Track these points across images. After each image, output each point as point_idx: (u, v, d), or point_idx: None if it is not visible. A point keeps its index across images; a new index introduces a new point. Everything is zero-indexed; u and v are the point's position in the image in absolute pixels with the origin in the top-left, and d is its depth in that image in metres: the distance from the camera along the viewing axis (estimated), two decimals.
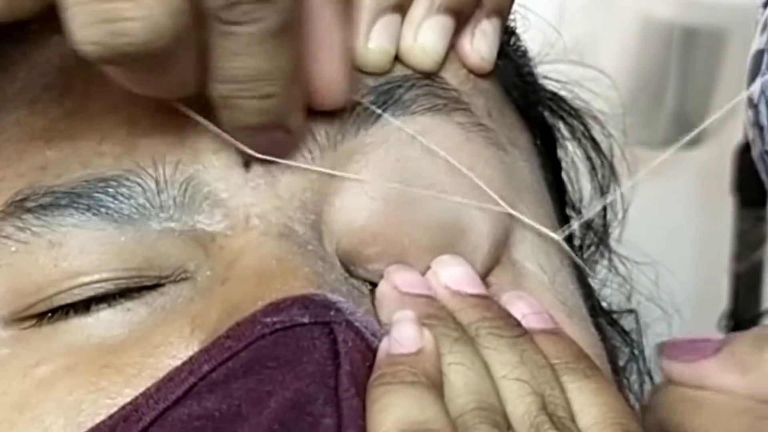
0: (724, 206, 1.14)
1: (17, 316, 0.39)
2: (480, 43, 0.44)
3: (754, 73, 0.60)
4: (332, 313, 0.36)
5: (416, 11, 0.42)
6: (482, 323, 0.38)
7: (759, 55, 0.60)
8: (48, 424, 0.37)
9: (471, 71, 0.45)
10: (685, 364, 0.43)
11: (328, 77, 0.38)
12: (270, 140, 0.38)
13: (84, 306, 0.39)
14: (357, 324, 0.37)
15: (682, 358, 0.43)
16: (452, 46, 0.44)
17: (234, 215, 0.39)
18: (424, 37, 0.42)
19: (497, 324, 0.38)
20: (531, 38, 0.54)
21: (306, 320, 0.36)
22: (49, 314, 0.39)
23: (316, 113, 0.40)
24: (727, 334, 0.43)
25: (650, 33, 1.10)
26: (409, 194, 0.41)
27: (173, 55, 0.34)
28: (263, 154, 0.39)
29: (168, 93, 0.37)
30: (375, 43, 0.41)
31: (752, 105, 0.60)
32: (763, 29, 0.60)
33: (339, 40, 0.38)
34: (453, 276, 0.40)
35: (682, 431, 0.42)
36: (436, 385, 0.35)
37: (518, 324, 0.39)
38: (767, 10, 0.60)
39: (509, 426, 0.35)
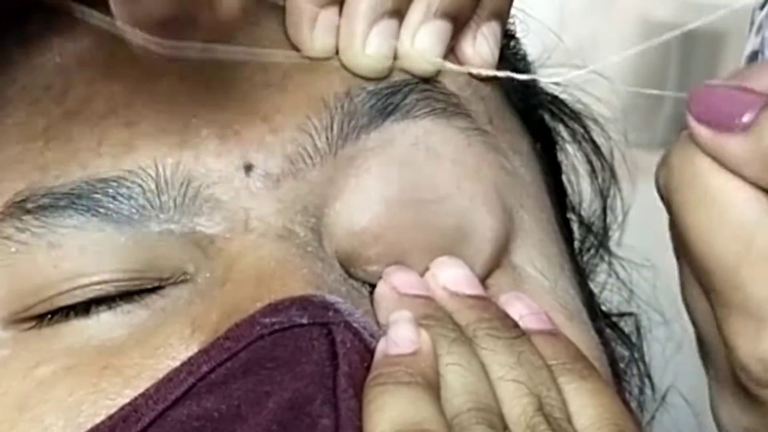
0: None
1: (17, 317, 0.39)
2: (481, 47, 0.44)
3: None
4: (331, 314, 0.36)
5: (413, 16, 0.42)
6: (480, 324, 0.38)
7: (753, 56, 0.60)
8: (48, 425, 0.37)
9: (472, 75, 0.45)
10: (708, 131, 0.38)
11: None
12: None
13: (84, 308, 0.39)
14: (355, 325, 0.37)
15: (709, 122, 0.38)
16: (450, 51, 0.44)
17: (234, 218, 0.39)
18: (422, 41, 0.42)
19: (495, 325, 0.38)
20: (531, 41, 0.55)
21: (304, 321, 0.36)
22: (49, 316, 0.39)
23: (315, 119, 0.40)
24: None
25: (650, 35, 1.10)
26: (410, 197, 0.41)
27: None
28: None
29: None
30: (372, 48, 0.41)
31: None
32: (758, 31, 0.60)
33: None
34: (451, 277, 0.40)
35: (680, 213, 0.39)
36: (433, 386, 0.35)
37: (516, 325, 0.39)
38: (762, 12, 0.60)
39: (505, 427, 0.35)
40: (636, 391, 0.58)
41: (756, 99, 0.37)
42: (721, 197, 0.38)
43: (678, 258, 0.41)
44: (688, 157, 0.39)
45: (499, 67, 0.45)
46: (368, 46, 0.41)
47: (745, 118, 0.37)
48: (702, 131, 0.38)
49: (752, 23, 0.61)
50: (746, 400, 0.39)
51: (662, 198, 0.40)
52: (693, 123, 0.38)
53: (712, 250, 0.38)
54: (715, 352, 0.41)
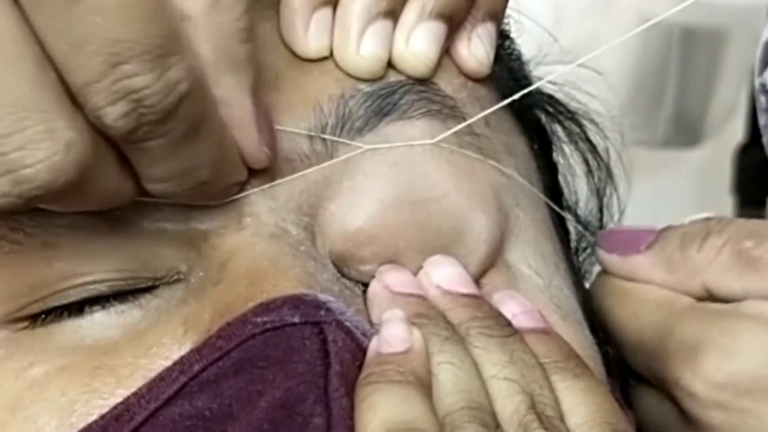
0: (724, 206, 1.14)
1: (11, 317, 0.39)
2: (477, 48, 0.44)
3: (766, 60, 0.60)
4: (322, 313, 0.36)
5: (408, 17, 0.42)
6: (472, 323, 0.38)
7: None
8: (40, 425, 0.37)
9: (468, 76, 0.45)
10: (618, 257, 0.46)
11: (248, 150, 0.38)
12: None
13: (78, 308, 0.39)
14: (347, 324, 0.37)
15: (617, 251, 0.46)
16: (445, 52, 0.44)
17: (227, 215, 0.39)
18: (416, 43, 0.42)
19: (487, 323, 0.38)
20: (528, 40, 0.54)
21: (296, 320, 0.36)
22: (43, 316, 0.39)
23: (311, 119, 0.40)
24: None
25: (650, 33, 1.10)
26: (404, 198, 0.41)
27: (87, 180, 0.33)
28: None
29: (104, 205, 0.36)
30: (367, 50, 0.41)
31: (764, 91, 0.60)
32: None
33: (246, 111, 0.37)
34: (444, 276, 0.40)
35: (611, 316, 0.46)
36: (424, 385, 0.35)
37: (508, 324, 0.39)
38: None
39: (498, 425, 0.35)
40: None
41: (653, 231, 0.46)
42: (638, 289, 0.46)
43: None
44: (605, 280, 0.47)
45: (493, 68, 0.45)
46: (363, 47, 0.41)
47: (647, 241, 0.46)
48: (613, 259, 0.47)
49: None
50: (695, 429, 0.43)
51: (596, 318, 0.47)
52: (603, 255, 0.47)
53: (644, 321, 0.45)
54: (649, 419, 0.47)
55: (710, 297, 0.44)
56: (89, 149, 0.33)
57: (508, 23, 0.52)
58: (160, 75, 0.32)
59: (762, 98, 0.60)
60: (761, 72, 0.60)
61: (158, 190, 0.36)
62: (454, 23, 0.43)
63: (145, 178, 0.35)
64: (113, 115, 0.32)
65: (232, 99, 0.36)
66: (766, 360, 0.41)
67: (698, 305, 0.44)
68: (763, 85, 0.60)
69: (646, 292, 0.45)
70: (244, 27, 0.35)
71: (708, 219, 0.45)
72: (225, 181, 0.38)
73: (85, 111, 0.32)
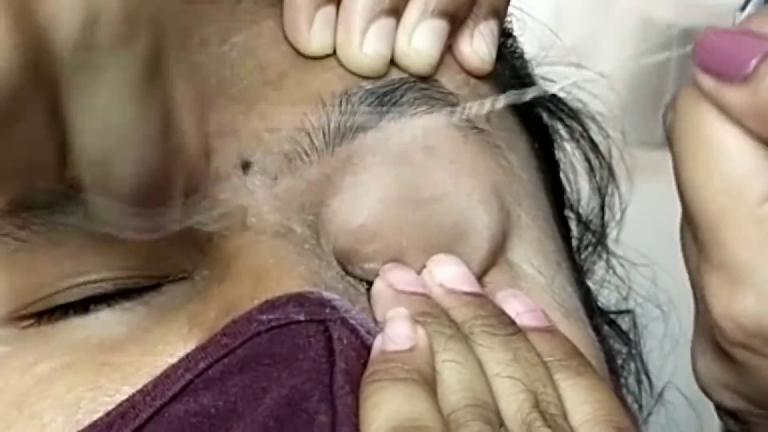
0: None
1: (17, 314, 0.39)
2: (479, 45, 0.44)
3: None
4: (327, 310, 0.37)
5: (410, 15, 0.42)
6: (476, 321, 0.39)
7: None
8: (46, 422, 0.37)
9: (470, 74, 0.45)
10: (711, 80, 0.37)
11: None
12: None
13: (83, 305, 0.39)
14: (352, 322, 0.37)
15: (711, 70, 0.37)
16: (448, 50, 0.44)
17: (231, 215, 0.39)
18: (419, 40, 0.42)
19: (491, 322, 0.39)
20: (529, 40, 0.55)
21: (301, 318, 0.36)
22: (49, 313, 0.39)
23: (313, 117, 0.40)
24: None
25: (650, 34, 1.10)
26: (407, 195, 0.41)
27: (12, 114, 0.28)
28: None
29: (24, 175, 0.31)
30: (370, 47, 0.41)
31: None
32: None
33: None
34: (448, 274, 0.40)
35: (675, 147, 0.38)
36: (429, 382, 0.36)
37: (512, 322, 0.39)
38: (743, 14, 0.60)
39: (502, 423, 0.36)
40: (633, 387, 0.58)
41: (759, 46, 0.36)
42: (718, 147, 0.36)
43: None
44: (692, 102, 0.37)
45: (495, 66, 0.45)
46: (366, 44, 0.41)
47: (746, 68, 0.36)
48: (705, 80, 0.37)
49: (734, 24, 0.61)
50: (721, 356, 0.39)
51: (668, 141, 0.39)
52: (697, 71, 0.37)
53: (702, 201, 0.37)
54: (698, 305, 0.41)
55: None
56: (24, 68, 0.28)
57: (510, 22, 0.52)
58: None
59: None
60: None
61: (94, 155, 0.30)
62: (456, 21, 0.43)
63: (75, 144, 0.30)
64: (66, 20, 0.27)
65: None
66: None
67: (762, 215, 0.36)
68: None
69: (727, 152, 0.36)
70: None
71: None
72: (165, 179, 0.32)
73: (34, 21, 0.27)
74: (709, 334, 0.39)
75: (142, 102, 0.30)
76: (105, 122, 0.29)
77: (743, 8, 0.57)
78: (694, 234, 0.38)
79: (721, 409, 0.42)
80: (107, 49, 0.28)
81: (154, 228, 0.33)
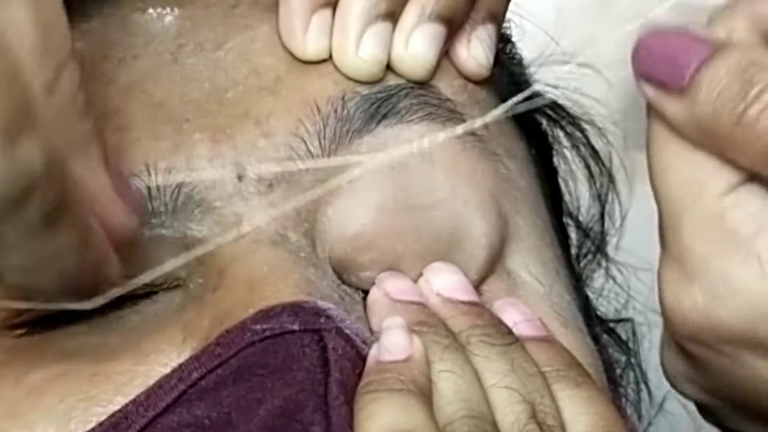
0: None
1: (9, 323, 0.39)
2: (476, 50, 0.44)
3: None
4: (322, 320, 0.36)
5: (407, 19, 0.42)
6: (473, 331, 0.38)
7: None
8: None
9: (467, 78, 0.44)
10: (654, 90, 0.36)
11: (116, 221, 0.34)
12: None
13: (76, 314, 0.39)
14: (347, 331, 0.37)
15: (652, 78, 0.36)
16: (445, 55, 0.43)
17: (226, 222, 0.39)
18: (416, 45, 0.42)
19: (488, 332, 0.38)
20: (528, 45, 0.54)
21: (296, 327, 0.36)
22: (41, 322, 0.39)
23: (308, 123, 0.40)
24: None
25: None
26: (403, 203, 0.40)
27: None
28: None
29: None
30: (366, 51, 0.41)
31: None
32: None
33: (103, 184, 0.34)
34: (445, 283, 0.40)
35: (649, 159, 0.38)
36: (425, 393, 0.35)
37: (509, 332, 0.39)
38: None
39: None
40: (633, 396, 0.57)
41: (696, 53, 0.35)
42: (682, 143, 0.37)
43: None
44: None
45: (493, 71, 0.45)
46: (362, 49, 0.41)
47: (682, 79, 0.35)
48: (647, 89, 0.37)
49: None
50: (681, 350, 0.39)
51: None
52: (637, 78, 0.37)
53: (667, 193, 0.37)
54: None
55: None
56: None
57: (509, 27, 0.52)
58: (10, 155, 0.29)
59: None
60: None
61: (16, 280, 0.32)
62: (453, 25, 0.43)
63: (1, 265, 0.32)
64: None
65: (86, 179, 0.33)
66: (758, 318, 0.35)
67: (721, 209, 0.35)
68: None
69: (688, 151, 0.36)
70: (82, 103, 0.32)
71: (747, 68, 0.35)
72: (93, 273, 0.33)
73: None
74: (667, 329, 0.39)
75: (47, 239, 0.31)
76: (17, 260, 0.31)
77: None
78: (659, 228, 0.38)
79: (699, 405, 0.42)
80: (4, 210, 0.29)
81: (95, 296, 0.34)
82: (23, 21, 0.30)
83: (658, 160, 0.38)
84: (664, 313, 0.38)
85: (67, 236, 0.31)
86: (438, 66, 0.43)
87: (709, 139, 0.36)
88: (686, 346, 0.38)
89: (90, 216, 0.33)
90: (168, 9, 0.42)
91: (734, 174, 0.36)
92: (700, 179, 0.36)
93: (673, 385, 0.42)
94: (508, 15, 0.49)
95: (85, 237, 0.32)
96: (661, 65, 0.36)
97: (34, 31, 0.31)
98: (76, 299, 0.33)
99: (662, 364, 0.42)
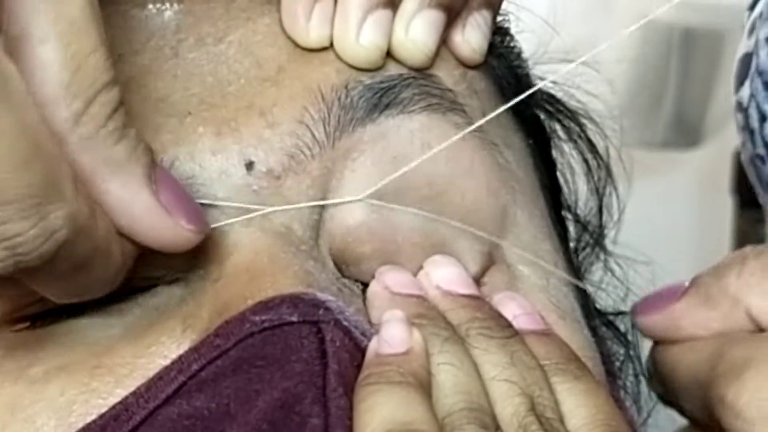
0: (723, 207, 1.14)
1: (10, 317, 0.39)
2: (471, 35, 0.44)
3: (742, 76, 0.59)
4: (321, 312, 0.36)
5: (407, 6, 0.42)
6: (473, 323, 0.38)
7: (746, 58, 0.59)
8: (39, 425, 0.37)
9: (463, 63, 0.45)
10: (658, 314, 0.43)
11: (169, 239, 0.36)
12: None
13: (77, 308, 0.39)
14: (346, 323, 0.37)
15: (653, 312, 0.43)
16: (444, 43, 0.44)
17: (231, 215, 0.39)
18: (415, 31, 0.42)
19: (488, 324, 0.38)
20: (528, 39, 0.54)
21: (294, 319, 0.36)
22: (42, 316, 0.39)
23: (313, 110, 0.40)
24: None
25: (650, 34, 1.10)
26: (404, 193, 0.41)
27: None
28: None
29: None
30: (366, 38, 0.41)
31: (742, 109, 0.59)
32: (750, 32, 0.59)
33: (146, 204, 0.35)
34: (445, 276, 0.40)
35: (672, 381, 0.43)
36: (424, 386, 0.35)
37: (509, 325, 0.39)
38: (753, 12, 0.60)
39: (497, 427, 0.35)
40: (632, 389, 0.57)
41: (683, 283, 0.43)
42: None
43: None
44: (655, 352, 0.44)
45: (492, 62, 0.45)
46: (362, 35, 0.41)
47: (681, 289, 0.42)
48: (652, 320, 0.43)
49: (744, 25, 0.60)
50: None
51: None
52: (642, 321, 0.44)
53: (693, 354, 0.42)
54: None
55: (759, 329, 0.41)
56: None
57: (508, 20, 0.52)
58: (36, 223, 0.31)
59: (739, 116, 0.60)
60: (737, 89, 0.60)
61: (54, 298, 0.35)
62: (452, 12, 0.43)
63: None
64: None
65: (126, 200, 0.34)
66: None
67: (750, 333, 0.41)
68: (739, 103, 0.59)
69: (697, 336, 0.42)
70: (114, 128, 0.34)
71: (743, 249, 0.42)
72: (112, 283, 0.36)
73: None
74: None
75: (79, 277, 0.34)
76: (49, 292, 0.35)
77: (752, 7, 0.57)
78: (698, 382, 0.41)
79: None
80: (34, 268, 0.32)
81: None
82: (51, 60, 0.32)
83: (676, 356, 0.43)
84: (727, 418, 0.39)
85: (100, 274, 0.34)
86: (438, 55, 0.43)
87: (716, 304, 0.41)
88: None
89: (113, 243, 0.35)
90: (168, 4, 0.42)
91: None
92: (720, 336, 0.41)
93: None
94: (509, 9, 0.49)
95: (118, 270, 0.35)
96: (660, 294, 0.43)
97: (62, 70, 0.32)
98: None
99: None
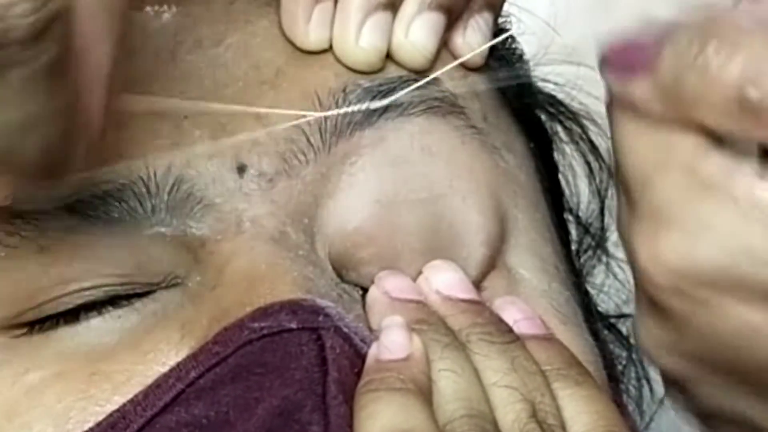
0: None
1: (7, 323, 0.39)
2: (471, 37, 0.44)
3: None
4: (320, 318, 0.36)
5: (407, 8, 0.42)
6: (473, 329, 0.38)
7: None
8: None
9: (465, 66, 0.44)
10: (618, 80, 0.36)
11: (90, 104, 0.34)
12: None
13: (74, 314, 0.39)
14: (345, 330, 0.36)
15: (617, 71, 0.36)
16: (445, 46, 0.43)
17: (225, 219, 0.39)
18: (415, 34, 0.42)
19: (488, 330, 0.38)
20: (529, 40, 0.54)
21: (294, 326, 0.36)
22: (40, 322, 0.39)
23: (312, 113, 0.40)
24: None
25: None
26: (403, 197, 0.40)
27: None
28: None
29: None
30: (366, 41, 0.41)
31: None
32: None
33: (102, 57, 0.34)
34: (445, 281, 0.40)
35: (615, 145, 0.37)
36: (425, 392, 0.35)
37: (510, 330, 0.39)
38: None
39: None
40: (634, 392, 0.57)
41: (660, 33, 0.35)
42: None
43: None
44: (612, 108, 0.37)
45: (493, 64, 0.45)
46: (362, 38, 0.41)
47: (647, 56, 0.35)
48: (613, 81, 0.36)
49: None
50: (658, 313, 0.37)
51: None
52: (605, 75, 0.36)
53: (634, 159, 0.36)
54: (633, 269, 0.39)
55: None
56: None
57: (510, 22, 0.52)
58: None
59: None
60: None
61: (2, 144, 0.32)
62: (453, 15, 0.43)
63: None
64: None
65: (92, 43, 0.33)
66: (738, 252, 0.34)
67: (693, 163, 0.35)
68: None
69: (649, 126, 0.36)
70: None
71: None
72: (73, 147, 0.33)
73: None
74: (642, 291, 0.37)
75: (44, 95, 0.31)
76: (7, 114, 0.31)
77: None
78: (626, 198, 0.37)
79: (670, 383, 0.41)
80: (17, 45, 0.29)
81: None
82: None
83: (623, 137, 0.36)
84: (639, 273, 0.36)
85: (62, 96, 0.32)
86: (438, 58, 0.43)
87: (675, 106, 0.35)
88: (665, 302, 0.36)
89: (83, 86, 0.32)
90: (165, 6, 0.42)
91: (702, 137, 0.35)
92: (669, 143, 0.35)
93: (650, 358, 0.41)
94: (510, 10, 0.49)
95: (76, 104, 0.32)
96: (625, 52, 0.36)
97: None
98: (46, 184, 0.35)
99: (638, 339, 0.41)
